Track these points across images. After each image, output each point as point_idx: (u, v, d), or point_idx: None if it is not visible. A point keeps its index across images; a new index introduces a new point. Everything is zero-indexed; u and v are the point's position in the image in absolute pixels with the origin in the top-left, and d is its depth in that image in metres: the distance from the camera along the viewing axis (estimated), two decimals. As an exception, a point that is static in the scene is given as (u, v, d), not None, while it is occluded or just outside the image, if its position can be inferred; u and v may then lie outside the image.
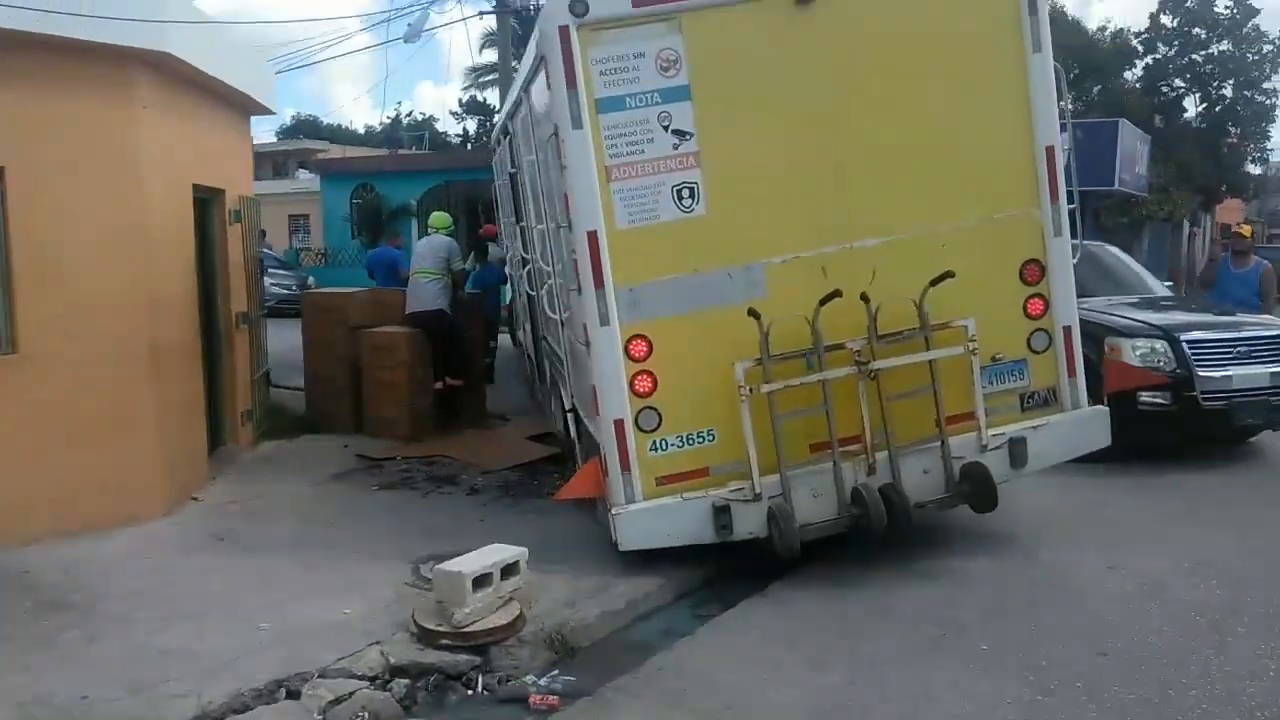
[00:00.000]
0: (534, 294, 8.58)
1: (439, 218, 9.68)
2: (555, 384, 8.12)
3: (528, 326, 10.41)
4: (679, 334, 5.48)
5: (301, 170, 39.24)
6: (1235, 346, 8.05)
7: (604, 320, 5.42)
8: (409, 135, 47.23)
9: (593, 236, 5.36)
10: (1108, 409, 6.01)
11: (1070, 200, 5.83)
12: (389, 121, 50.08)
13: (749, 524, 5.49)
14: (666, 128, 5.39)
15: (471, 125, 53.65)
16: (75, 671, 4.36)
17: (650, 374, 5.48)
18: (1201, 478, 7.42)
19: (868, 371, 5.49)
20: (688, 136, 5.41)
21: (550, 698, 4.27)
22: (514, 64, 38.09)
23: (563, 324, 6.76)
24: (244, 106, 8.70)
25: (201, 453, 7.37)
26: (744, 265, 5.52)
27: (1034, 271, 5.81)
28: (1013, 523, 6.16)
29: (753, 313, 5.32)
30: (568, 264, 5.60)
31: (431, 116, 56.39)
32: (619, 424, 5.48)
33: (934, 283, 5.48)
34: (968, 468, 5.65)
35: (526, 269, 8.59)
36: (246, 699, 4.18)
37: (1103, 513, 6.60)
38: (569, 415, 7.02)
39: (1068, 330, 5.89)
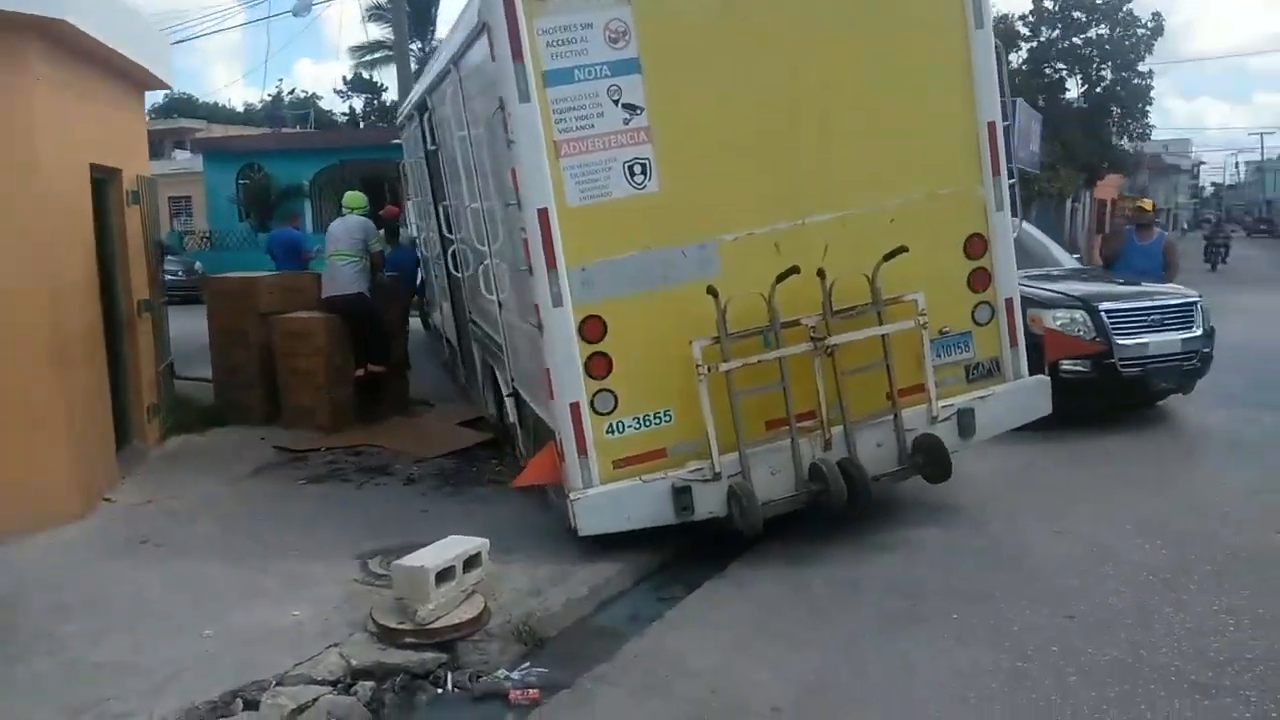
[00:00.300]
0: (459, 275, 8.39)
1: (353, 197, 9.27)
2: (488, 368, 7.89)
3: (447, 309, 10.11)
4: (633, 314, 5.35)
5: (179, 150, 37.40)
6: (1149, 315, 8.38)
7: (556, 301, 5.24)
8: (292, 114, 45.53)
9: (543, 215, 5.16)
10: (1049, 378, 6.16)
11: (1010, 175, 5.92)
12: (270, 99, 48.11)
13: (709, 504, 5.42)
14: (616, 101, 5.23)
15: (358, 103, 52.11)
16: (4, 698, 3.98)
17: (605, 355, 5.34)
18: (1123, 442, 7.70)
19: (824, 348, 5.47)
20: (638, 111, 5.26)
21: (530, 691, 4.11)
22: (414, 41, 36.82)
23: (500, 305, 6.56)
24: (139, 81, 8.13)
25: (110, 450, 6.88)
26: (698, 243, 5.42)
27: (977, 245, 5.88)
28: (956, 492, 6.25)
29: (711, 290, 5.23)
30: (516, 243, 5.39)
31: (314, 94, 54.50)
32: (574, 407, 5.32)
33: (887, 257, 5.49)
34: (920, 440, 5.70)
35: (451, 250, 8.32)
36: (201, 713, 3.89)
37: (1039, 479, 6.78)
38: (509, 399, 6.83)
39: (1009, 302, 6.00)
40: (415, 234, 12.37)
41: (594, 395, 5.34)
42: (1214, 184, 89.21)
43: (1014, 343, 6.04)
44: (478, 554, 4.78)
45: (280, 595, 4.94)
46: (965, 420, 5.84)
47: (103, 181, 7.26)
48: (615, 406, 5.38)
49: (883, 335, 5.60)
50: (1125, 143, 27.67)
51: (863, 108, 5.62)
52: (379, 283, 9.10)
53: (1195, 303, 8.66)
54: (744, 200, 5.49)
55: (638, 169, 5.28)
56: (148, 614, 4.74)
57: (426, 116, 8.29)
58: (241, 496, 6.69)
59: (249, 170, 23.58)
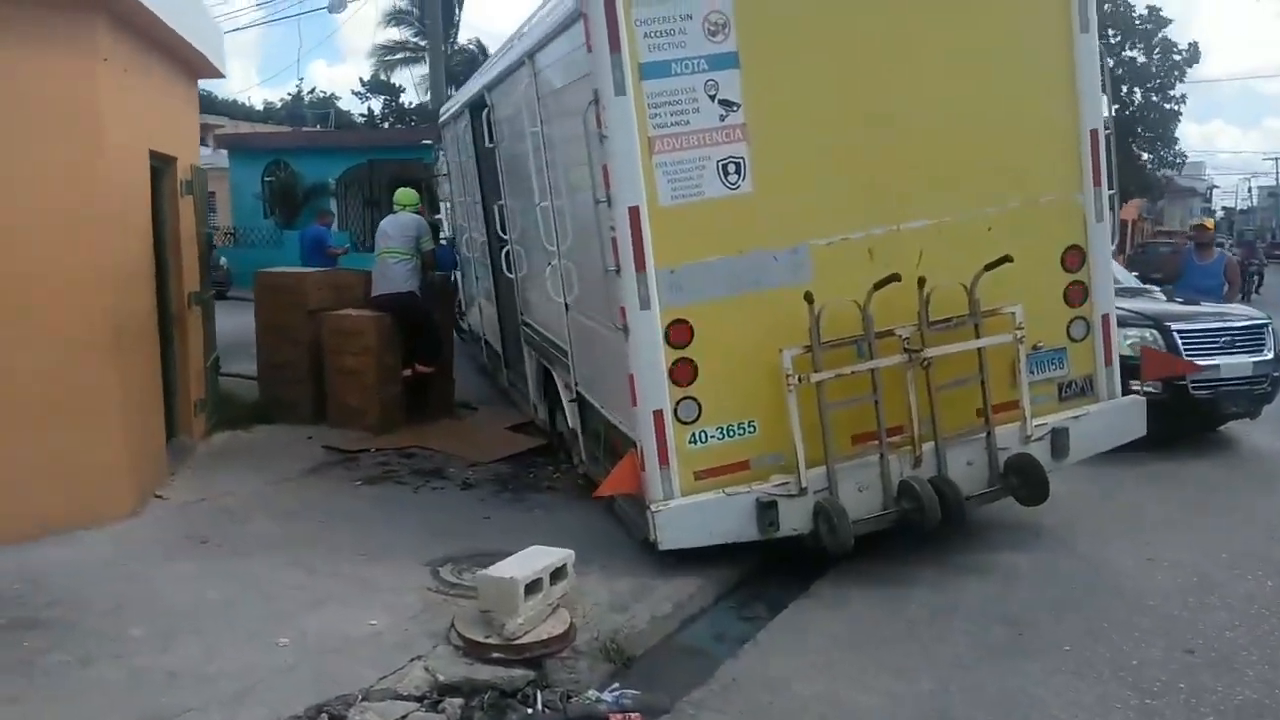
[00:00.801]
0: (511, 276, 8.18)
1: (405, 194, 9.05)
2: (542, 372, 7.67)
3: (490, 312, 9.89)
4: (720, 319, 5.13)
5: (202, 146, 37.30)
6: (1220, 336, 8.14)
7: (644, 304, 5.02)
8: (312, 113, 45.49)
9: (634, 213, 4.95)
10: (1144, 399, 5.92)
11: (1109, 186, 5.70)
12: (291, 98, 48.11)
13: (794, 520, 5.18)
14: (713, 97, 5.01)
15: (376, 104, 52.08)
16: (75, 704, 3.76)
17: (690, 361, 5.12)
18: (1198, 466, 7.46)
19: (920, 360, 5.24)
20: (734, 107, 5.04)
21: (631, 716, 3.88)
22: (452, 41, 36.64)
23: (568, 308, 6.35)
24: (194, 67, 7.94)
25: (162, 445, 6.67)
26: (790, 247, 5.20)
27: (1075, 258, 5.66)
28: (1038, 515, 5.99)
29: (807, 296, 5.01)
30: (603, 242, 5.15)
31: (333, 95, 54.46)
32: (658, 415, 5.10)
33: (989, 267, 5.27)
34: (1015, 459, 5.46)
35: (505, 250, 8.13)
36: (284, 728, 3.67)
37: (1119, 502, 6.54)
38: (571, 405, 6.60)
39: (1106, 319, 5.78)
40: (451, 234, 12.17)
41: (677, 403, 5.12)
42: (1224, 208, 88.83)
43: (1109, 361, 5.81)
44: (563, 566, 4.55)
45: (352, 601, 4.71)
46: (1059, 440, 5.60)
47: (158, 169, 7.06)
48: (699, 415, 5.16)
49: (978, 349, 5.37)
50: (1152, 166, 27.43)
51: (963, 110, 5.40)
52: (430, 281, 8.88)
53: (1267, 325, 8.41)
54: (838, 203, 5.27)
55: (731, 168, 5.07)
56: (215, 618, 4.51)
57: (486, 113, 8.08)
58: (297, 496, 6.46)
59: (274, 167, 23.37)
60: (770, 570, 5.45)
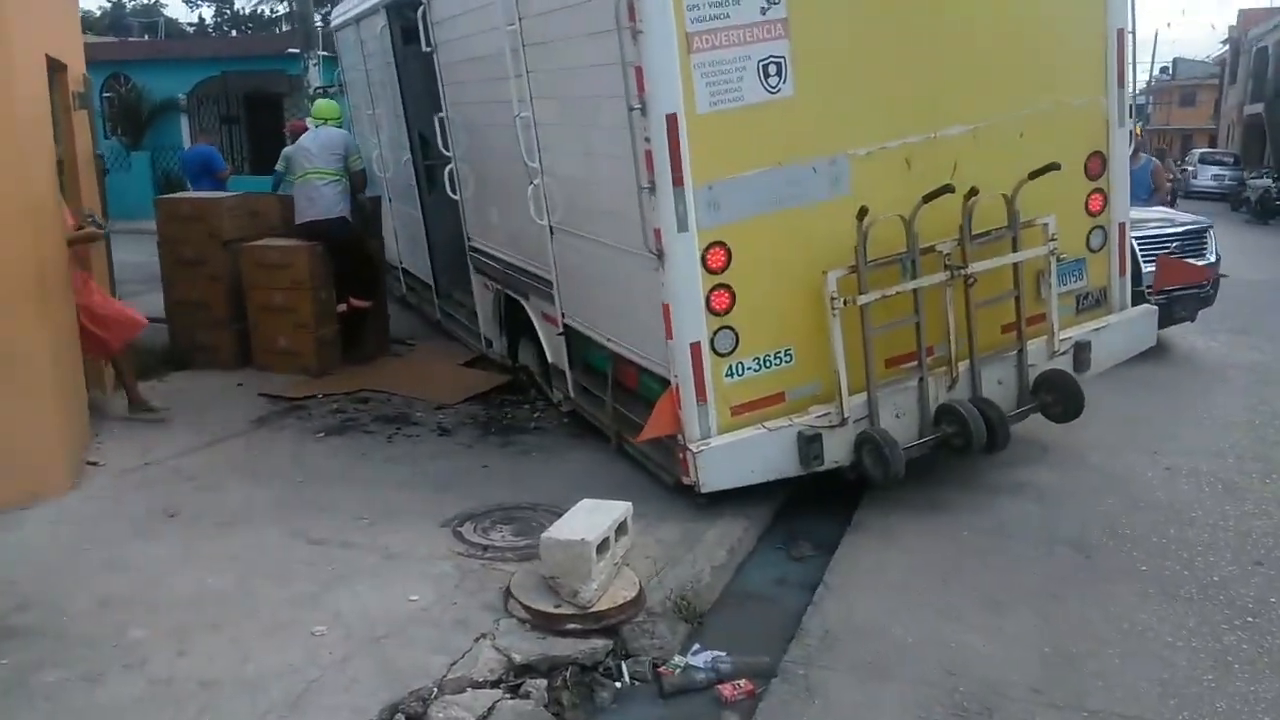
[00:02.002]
0: (457, 199, 7.48)
1: (326, 106, 8.08)
2: (503, 303, 7.06)
3: (417, 238, 9.10)
4: (757, 239, 4.68)
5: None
6: (1170, 241, 8.26)
7: (682, 224, 4.52)
8: (139, 22, 41.51)
9: (672, 121, 4.41)
10: (1156, 308, 5.86)
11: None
12: (111, 5, 43.73)
13: (837, 452, 4.88)
14: (754, -13, 4.47)
15: (207, 12, 48.11)
16: (98, 732, 3.11)
17: (728, 288, 4.67)
18: (1157, 371, 7.51)
19: (965, 277, 4.96)
20: (776, 0, 4.52)
21: (743, 684, 3.52)
22: None
23: (552, 231, 5.78)
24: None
25: (84, 405, 5.77)
26: (829, 157, 4.78)
27: (1096, 164, 5.46)
28: (1033, 429, 5.82)
29: (862, 212, 4.61)
30: (637, 156, 4.54)
31: (159, 2, 49.84)
32: (695, 348, 4.65)
33: (1034, 175, 4.99)
34: (1045, 376, 5.30)
35: (448, 169, 7.40)
36: (362, 736, 3.13)
37: (1101, 410, 6.44)
38: (559, 338, 6.06)
39: (1122, 227, 5.64)
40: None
41: (715, 333, 4.69)
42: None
43: (1123, 271, 5.69)
44: (624, 521, 4.10)
45: (381, 574, 4.14)
46: (1082, 354, 5.46)
47: (49, 79, 5.96)
48: (736, 346, 4.74)
49: (1014, 263, 5.14)
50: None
51: (996, 5, 5.05)
52: (360, 205, 8.02)
53: (1209, 228, 8.60)
54: (877, 109, 4.86)
55: (772, 69, 4.57)
56: (227, 608, 3.86)
57: (421, 12, 7.22)
58: (257, 453, 5.71)
59: (114, 82, 21.02)
60: (798, 502, 5.16)
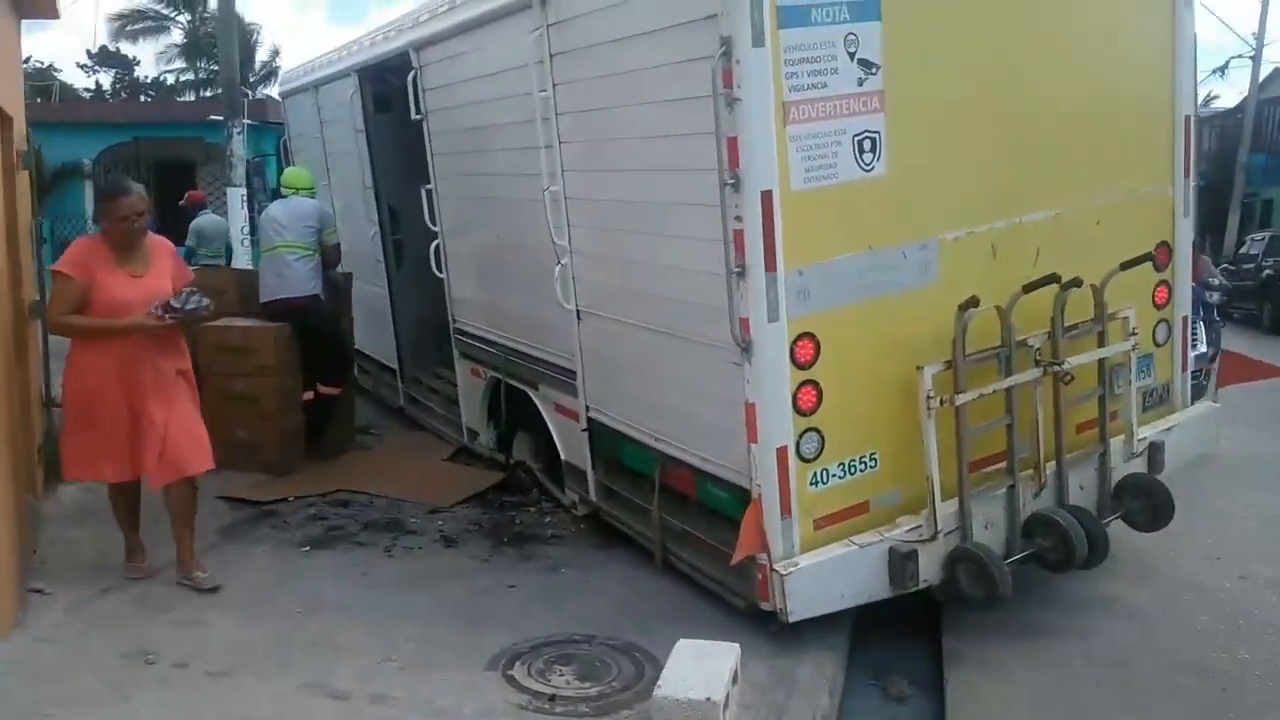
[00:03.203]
0: (443, 277, 6.85)
1: (298, 175, 7.34)
2: (497, 394, 6.38)
3: (380, 316, 8.32)
4: (845, 330, 4.18)
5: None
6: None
7: (772, 314, 3.98)
8: (29, 85, 39.57)
9: (767, 200, 3.90)
10: (1218, 406, 5.57)
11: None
12: (-1, 67, 41.52)
13: (929, 570, 4.34)
14: (852, 55, 4.03)
15: (106, 79, 46.42)
16: None
17: (816, 384, 4.14)
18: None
19: (1061, 374, 4.54)
20: (874, 70, 4.09)
21: None
22: (182, 13, 33.34)
23: (579, 315, 5.19)
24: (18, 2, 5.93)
25: (24, 514, 4.82)
26: (920, 242, 4.34)
27: (1164, 255, 5.15)
28: None
29: (971, 301, 4.16)
30: (727, 235, 3.95)
31: (52, 65, 47.81)
32: (782, 454, 4.08)
33: (1126, 266, 4.66)
34: (1127, 480, 4.89)
35: (434, 245, 6.78)
36: None
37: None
38: (578, 434, 5.41)
39: (1185, 321, 5.36)
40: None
41: (800, 436, 4.13)
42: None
43: (1184, 366, 5.40)
44: (736, 668, 3.44)
45: (431, 740, 3.37)
46: (1156, 456, 5.08)
47: (-9, 133, 5.13)
48: (821, 450, 4.20)
49: (1101, 359, 4.76)
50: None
51: (1078, 87, 4.74)
52: (333, 282, 7.25)
53: (1198, 320, 8.53)
54: (967, 190, 4.46)
55: (867, 145, 4.12)
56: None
57: (412, 78, 6.64)
58: (235, 574, 4.82)
59: (9, 144, 19.68)
60: (863, 626, 4.59)
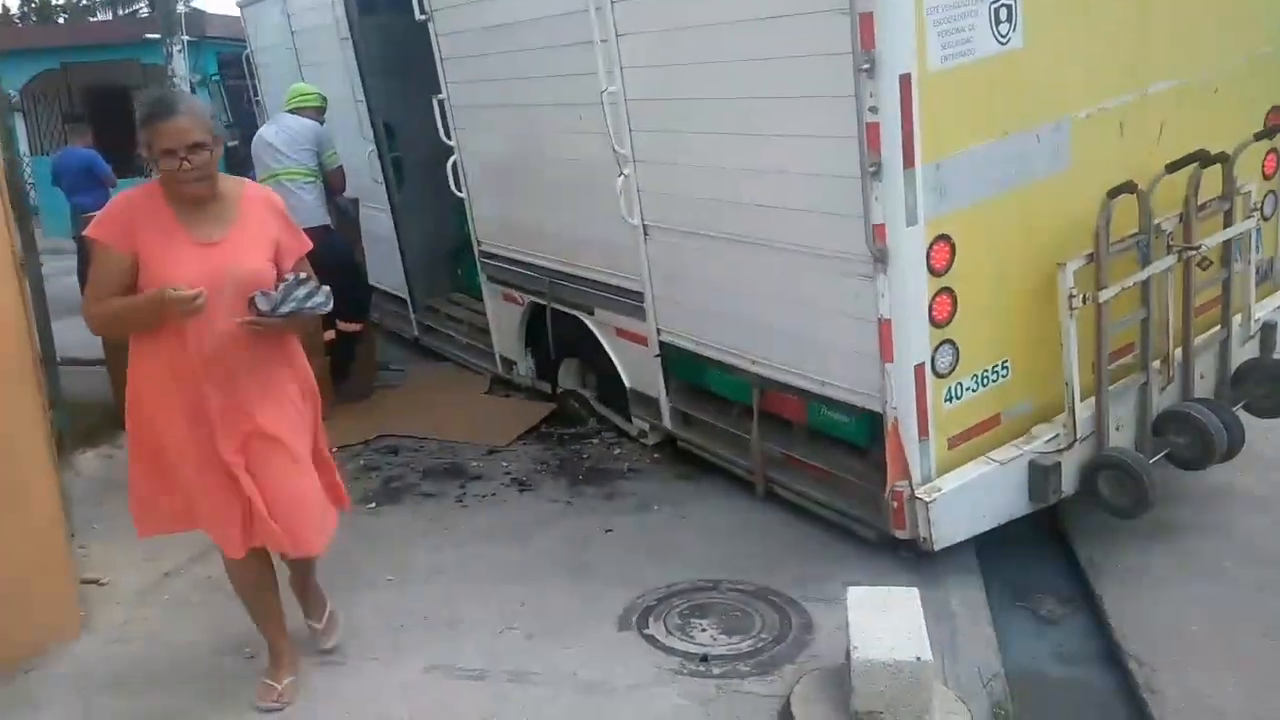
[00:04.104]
0: (463, 195, 6.27)
1: (302, 91, 6.54)
2: (532, 316, 5.92)
3: (385, 241, 7.72)
4: (979, 229, 3.76)
5: None
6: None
7: (911, 217, 3.54)
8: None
9: (906, 84, 3.41)
10: (1327, 279, 5.25)
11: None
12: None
13: (1070, 480, 4.03)
14: (984, -87, 3.51)
15: (12, 1, 43.46)
16: None
17: (950, 292, 3.74)
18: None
19: (1197, 260, 4.19)
20: (1006, -73, 3.58)
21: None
22: None
23: (646, 232, 4.71)
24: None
25: (63, 499, 4.30)
26: (1053, 122, 3.88)
27: (1274, 120, 4.78)
28: None
29: (1125, 188, 3.75)
30: (860, 130, 3.46)
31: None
32: (919, 371, 3.70)
33: (1260, 136, 4.28)
34: (1256, 364, 4.60)
35: (451, 161, 6.18)
36: None
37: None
38: (657, 360, 4.98)
39: (1293, 190, 5.00)
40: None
41: (935, 349, 3.75)
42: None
43: (1293, 239, 5.08)
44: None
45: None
46: (1269, 337, 4.78)
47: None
48: (956, 363, 3.82)
49: (1230, 239, 4.40)
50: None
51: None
52: (343, 209, 6.62)
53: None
54: (1097, 61, 4.00)
55: (1003, 13, 3.62)
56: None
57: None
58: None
59: (-77, 79, 18.15)
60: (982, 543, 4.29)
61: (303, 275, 3.03)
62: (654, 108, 4.46)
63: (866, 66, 3.37)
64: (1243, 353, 4.65)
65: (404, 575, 4.04)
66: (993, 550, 4.15)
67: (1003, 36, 3.63)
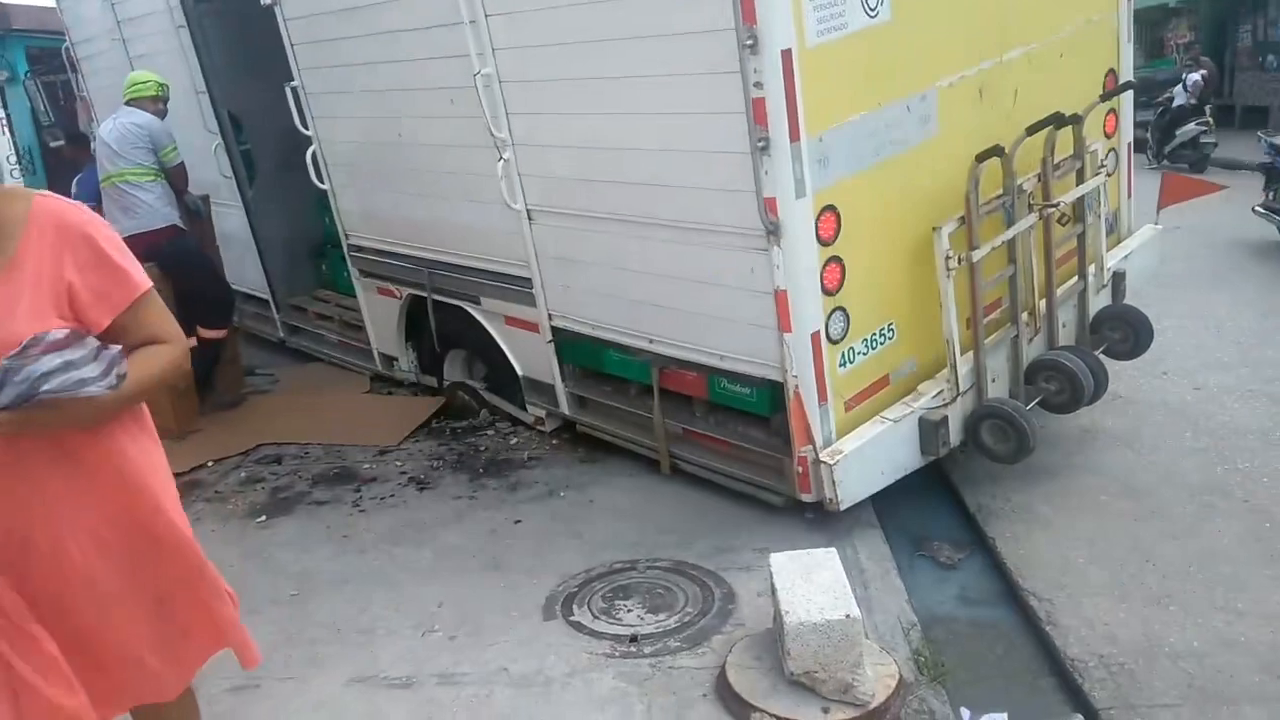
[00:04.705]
0: (325, 187, 6.04)
1: (141, 79, 6.05)
2: (410, 309, 5.78)
3: (246, 239, 7.35)
4: (859, 197, 3.88)
5: None
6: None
7: (799, 189, 3.62)
8: None
9: (787, 59, 3.47)
10: (1161, 227, 5.66)
11: (1126, 0, 5.20)
12: None
13: (955, 433, 4.24)
14: (850, -111, 3.59)
15: None
16: None
17: (839, 260, 3.85)
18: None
19: (1056, 216, 4.44)
20: (870, -97, 3.67)
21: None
22: None
23: (530, 217, 4.66)
24: None
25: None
26: (920, 92, 4.04)
27: (1111, 82, 5.10)
28: None
29: (995, 151, 3.93)
30: (747, 105, 3.48)
31: None
32: (815, 339, 3.81)
33: (1105, 97, 4.56)
34: (1110, 311, 4.93)
35: (310, 152, 5.94)
36: None
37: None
38: (543, 345, 4.94)
39: (1130, 147, 5.37)
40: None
41: (828, 317, 3.86)
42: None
43: (1130, 193, 5.44)
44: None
45: (536, 716, 2.98)
46: (1119, 285, 5.14)
47: None
48: (847, 329, 3.95)
49: (1083, 195, 4.69)
50: None
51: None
52: (191, 208, 6.24)
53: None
54: (959, 32, 4.17)
55: (872, -12, 3.74)
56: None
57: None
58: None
59: None
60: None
61: (59, 336, 1.94)
62: (531, 89, 4.39)
63: (750, 43, 3.41)
64: (1098, 301, 4.98)
65: (307, 587, 3.88)
66: (888, 505, 4.32)
67: (871, 9, 3.74)
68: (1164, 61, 17.65)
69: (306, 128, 5.92)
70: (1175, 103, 13.65)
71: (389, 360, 6.30)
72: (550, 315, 4.85)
